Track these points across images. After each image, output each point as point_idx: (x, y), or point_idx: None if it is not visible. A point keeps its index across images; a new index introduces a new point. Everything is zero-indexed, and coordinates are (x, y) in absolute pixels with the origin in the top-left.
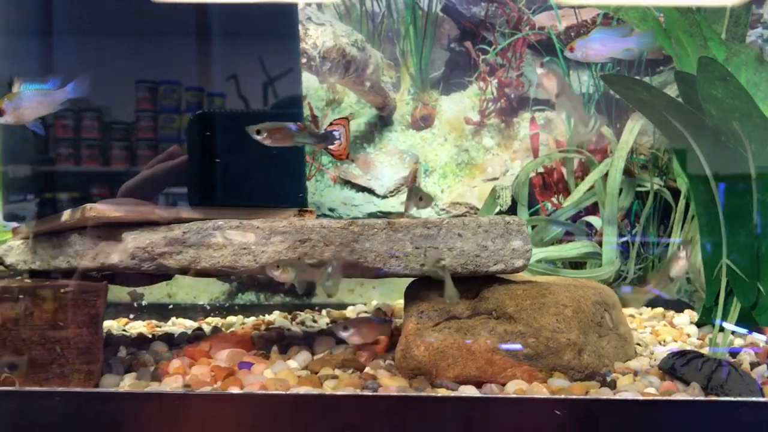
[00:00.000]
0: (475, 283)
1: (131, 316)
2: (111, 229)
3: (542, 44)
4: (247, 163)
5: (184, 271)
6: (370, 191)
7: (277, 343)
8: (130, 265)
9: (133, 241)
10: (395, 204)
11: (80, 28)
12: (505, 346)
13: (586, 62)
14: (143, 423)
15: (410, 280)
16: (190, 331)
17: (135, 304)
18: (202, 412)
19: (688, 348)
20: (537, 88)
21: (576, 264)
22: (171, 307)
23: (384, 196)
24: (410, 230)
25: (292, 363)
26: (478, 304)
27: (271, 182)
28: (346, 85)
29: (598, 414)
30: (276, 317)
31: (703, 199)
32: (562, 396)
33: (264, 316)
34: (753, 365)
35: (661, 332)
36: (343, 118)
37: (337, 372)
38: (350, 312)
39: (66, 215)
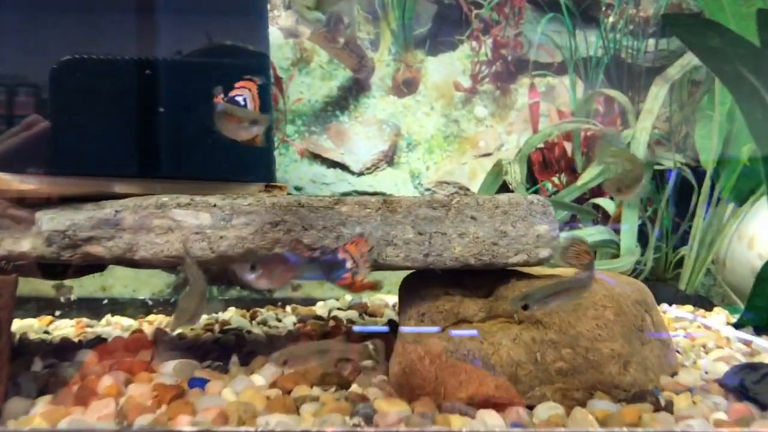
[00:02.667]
0: (487, 277)
1: (57, 313)
2: (21, 208)
3: None
4: (199, 123)
5: (118, 261)
6: (344, 167)
7: (237, 350)
8: (46, 254)
9: (49, 222)
10: (373, 183)
11: None
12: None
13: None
14: None
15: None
16: (127, 334)
17: (62, 299)
18: None
19: (737, 356)
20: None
21: None
22: (105, 302)
23: (360, 173)
24: (412, 211)
25: (258, 378)
26: (494, 304)
27: (230, 149)
28: (316, 41)
29: None
30: (232, 315)
31: None
32: (617, 430)
33: (218, 313)
34: None
35: (697, 336)
36: (248, 79)
37: (316, 391)
38: (320, 308)
39: None
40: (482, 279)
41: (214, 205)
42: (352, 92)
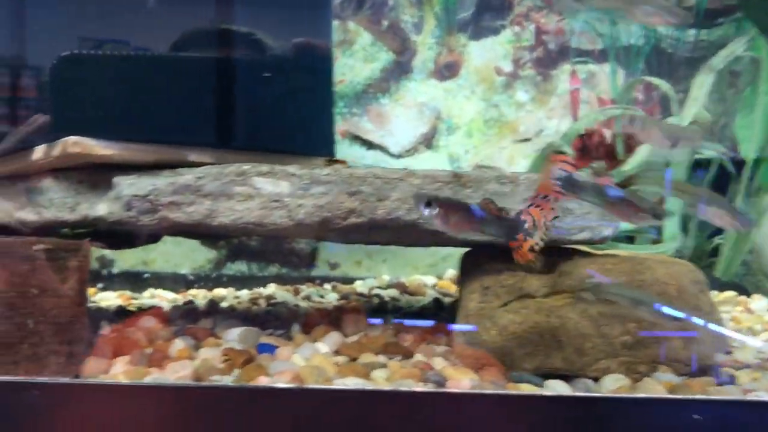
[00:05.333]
0: (550, 254)
1: (100, 285)
2: (99, 173)
3: None
4: (268, 99)
5: (194, 228)
6: (383, 149)
7: (293, 321)
8: (123, 219)
9: (129, 187)
10: (412, 165)
11: None
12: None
13: None
14: (155, 423)
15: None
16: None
17: (104, 272)
18: (241, 408)
19: None
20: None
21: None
22: (147, 276)
23: (399, 156)
24: (481, 185)
25: (322, 346)
26: (558, 280)
27: (295, 124)
28: (360, 23)
29: (748, 419)
30: (275, 290)
31: None
32: (699, 396)
33: (259, 288)
34: None
35: (742, 319)
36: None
37: (382, 359)
38: (359, 286)
39: (39, 152)
40: (545, 256)
41: (293, 174)
42: (394, 75)
